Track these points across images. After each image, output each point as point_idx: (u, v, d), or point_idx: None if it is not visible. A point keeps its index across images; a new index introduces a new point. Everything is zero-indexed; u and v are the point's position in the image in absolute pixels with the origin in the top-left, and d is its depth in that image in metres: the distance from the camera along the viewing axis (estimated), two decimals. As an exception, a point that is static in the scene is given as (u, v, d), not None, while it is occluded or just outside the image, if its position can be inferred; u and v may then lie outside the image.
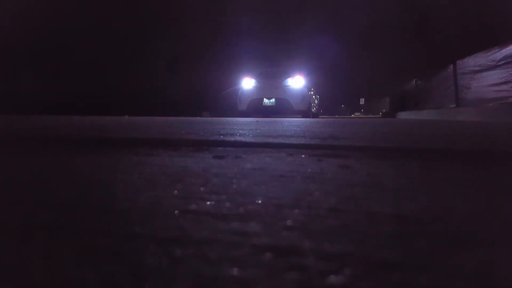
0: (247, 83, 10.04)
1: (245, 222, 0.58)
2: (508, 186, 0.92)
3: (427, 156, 1.41)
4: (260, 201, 0.70)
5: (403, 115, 13.87)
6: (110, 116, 7.83)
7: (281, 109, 9.71)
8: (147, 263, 0.44)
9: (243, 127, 3.11)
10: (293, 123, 4.18)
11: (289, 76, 9.94)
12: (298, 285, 0.39)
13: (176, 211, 0.64)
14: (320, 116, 16.00)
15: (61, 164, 1.18)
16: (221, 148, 1.57)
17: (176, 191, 0.79)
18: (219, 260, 0.44)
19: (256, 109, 9.72)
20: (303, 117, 9.85)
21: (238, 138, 1.92)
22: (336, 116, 28.20)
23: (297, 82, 9.84)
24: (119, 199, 0.72)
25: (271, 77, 10.12)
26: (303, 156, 1.33)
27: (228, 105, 11.85)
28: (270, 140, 1.85)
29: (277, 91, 9.65)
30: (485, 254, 0.47)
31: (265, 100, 9.64)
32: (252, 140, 1.85)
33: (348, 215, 0.62)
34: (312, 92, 12.28)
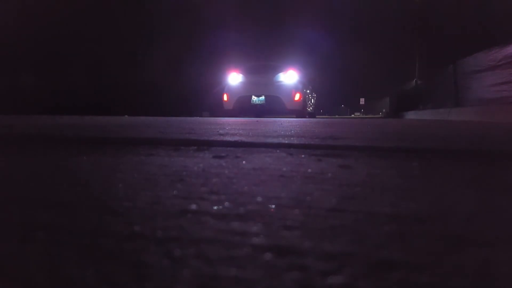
0: (234, 79, 8.84)
1: (245, 222, 0.58)
2: (508, 186, 0.92)
3: (427, 156, 1.41)
4: (260, 201, 0.70)
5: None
6: (110, 116, 7.84)
7: (272, 108, 8.63)
8: (147, 263, 0.44)
9: (243, 127, 3.11)
10: (293, 123, 4.19)
11: (281, 71, 8.76)
12: (298, 285, 0.39)
13: (176, 211, 0.64)
14: (317, 116, 15.12)
15: (61, 164, 1.18)
16: (221, 148, 1.57)
17: (176, 191, 0.79)
18: (219, 260, 0.44)
19: (244, 108, 8.63)
20: (297, 117, 8.76)
21: (238, 138, 1.91)
22: (336, 116, 28.18)
23: (290, 77, 8.67)
24: (119, 199, 0.72)
25: (261, 71, 8.90)
26: (303, 156, 1.33)
27: (216, 104, 10.70)
28: (270, 140, 1.85)
29: (267, 88, 8.49)
30: (485, 254, 0.47)
31: (254, 98, 8.49)
32: (252, 140, 1.85)
33: (348, 215, 0.62)
34: (308, 90, 10.97)
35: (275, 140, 1.82)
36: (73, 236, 0.52)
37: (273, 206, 0.67)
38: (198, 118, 7.62)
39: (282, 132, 2.43)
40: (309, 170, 1.03)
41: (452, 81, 9.13)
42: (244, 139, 1.89)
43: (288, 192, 0.78)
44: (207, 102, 12.92)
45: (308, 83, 11.20)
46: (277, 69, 8.92)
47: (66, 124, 3.47)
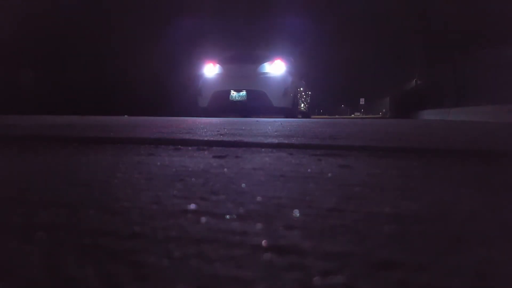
0: (210, 70, 7.41)
1: (245, 222, 0.58)
2: (508, 186, 0.92)
3: (427, 156, 1.41)
4: (260, 201, 0.70)
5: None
6: (110, 116, 7.83)
7: (255, 105, 7.15)
8: (147, 263, 0.44)
9: (243, 127, 3.11)
10: (292, 124, 4.19)
11: (266, 61, 7.23)
12: (298, 285, 0.39)
13: (176, 211, 0.64)
14: (316, 117, 13.85)
15: (61, 164, 1.18)
16: (221, 148, 1.57)
17: (176, 191, 0.79)
18: (219, 260, 0.44)
19: (221, 106, 7.27)
20: (286, 117, 7.32)
21: (238, 138, 1.91)
22: (336, 116, 28.16)
23: (277, 68, 7.14)
24: (119, 199, 0.72)
25: (242, 61, 7.43)
26: (303, 156, 1.33)
27: (190, 102, 9.06)
28: (270, 140, 1.85)
29: (249, 81, 7.03)
30: (485, 254, 0.47)
31: (233, 93, 7.05)
32: (252, 140, 1.84)
33: (348, 215, 0.62)
34: (302, 88, 9.32)
35: (275, 140, 1.82)
36: (73, 236, 0.52)
37: (273, 206, 0.67)
38: (198, 118, 7.61)
39: (282, 132, 2.43)
40: (309, 170, 1.03)
41: (452, 81, 9.14)
42: (244, 139, 1.89)
43: (288, 192, 0.78)
44: (183, 99, 11.36)
45: (301, 77, 9.53)
46: (261, 59, 7.36)
47: (66, 124, 3.47)
